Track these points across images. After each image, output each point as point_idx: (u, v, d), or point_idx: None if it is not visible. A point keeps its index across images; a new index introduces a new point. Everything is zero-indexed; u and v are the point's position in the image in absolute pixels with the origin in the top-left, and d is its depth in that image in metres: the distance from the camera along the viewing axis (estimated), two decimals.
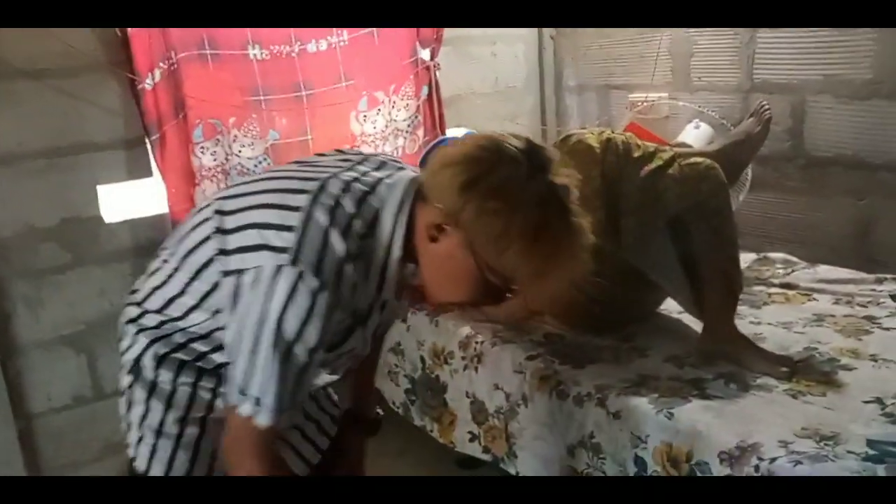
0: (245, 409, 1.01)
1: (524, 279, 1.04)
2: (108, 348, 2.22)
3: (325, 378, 1.30)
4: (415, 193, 1.08)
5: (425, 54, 2.76)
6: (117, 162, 2.29)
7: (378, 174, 1.11)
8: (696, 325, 1.85)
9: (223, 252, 1.05)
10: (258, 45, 2.43)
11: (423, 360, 2.17)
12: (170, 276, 1.13)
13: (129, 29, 2.19)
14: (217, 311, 1.09)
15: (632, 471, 1.55)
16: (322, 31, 2.51)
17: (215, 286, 1.07)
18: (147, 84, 2.26)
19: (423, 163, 2.34)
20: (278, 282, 0.98)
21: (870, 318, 1.87)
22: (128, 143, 2.29)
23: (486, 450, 1.97)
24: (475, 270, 1.03)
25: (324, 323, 1.00)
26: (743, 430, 1.40)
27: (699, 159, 1.78)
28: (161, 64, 2.28)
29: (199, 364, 1.15)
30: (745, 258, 2.25)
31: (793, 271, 2.25)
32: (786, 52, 2.38)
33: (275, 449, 1.09)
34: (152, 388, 1.14)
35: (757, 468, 1.32)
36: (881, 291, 2.02)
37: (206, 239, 1.08)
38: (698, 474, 1.42)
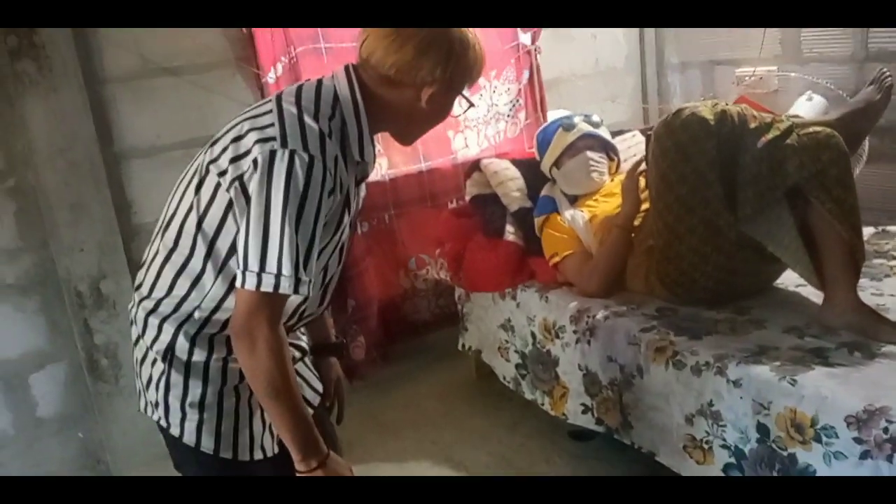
0: (267, 282, 1.10)
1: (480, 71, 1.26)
2: None
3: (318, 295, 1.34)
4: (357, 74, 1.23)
5: (526, 39, 2.83)
6: None
7: (312, 80, 1.25)
8: (815, 297, 1.84)
9: (221, 174, 1.16)
10: None
11: (533, 335, 2.23)
12: (171, 252, 1.23)
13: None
14: (223, 263, 1.18)
15: (753, 437, 1.56)
16: None
17: (217, 231, 1.17)
18: (270, 78, 2.42)
19: (539, 147, 2.39)
20: (275, 164, 1.11)
21: None
22: None
23: (599, 421, 2.01)
24: (454, 98, 1.28)
25: (320, 192, 1.12)
26: (870, 394, 1.40)
27: (818, 128, 1.76)
28: (282, 59, 2.43)
29: (227, 333, 1.21)
30: (864, 232, 2.19)
31: None
32: None
33: (281, 328, 1.15)
34: (188, 369, 1.23)
35: (886, 430, 1.32)
36: None
37: (199, 185, 1.19)
38: (824, 439, 1.42)
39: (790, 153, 1.73)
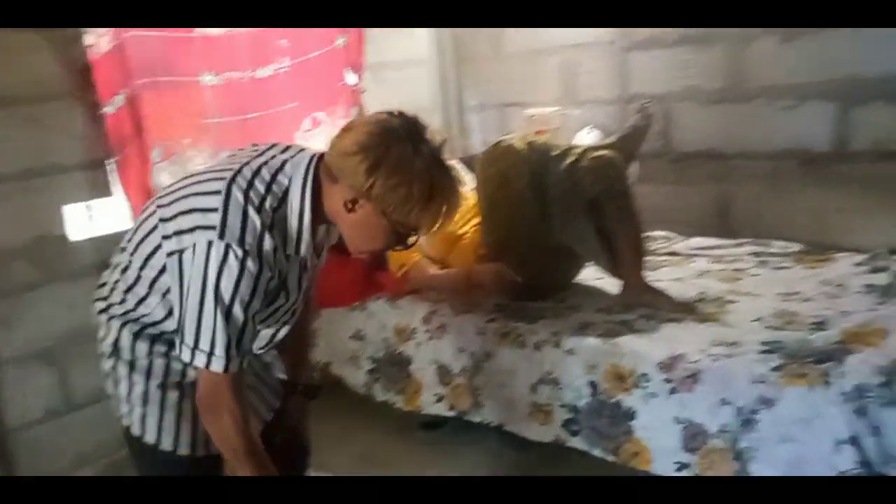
0: (199, 360, 1.22)
1: (429, 227, 1.29)
2: (79, 361, 2.35)
3: (266, 338, 1.46)
4: (317, 166, 1.29)
5: (352, 79, 3.11)
6: (81, 183, 2.44)
7: (284, 156, 1.31)
8: (609, 287, 2.32)
9: (165, 237, 1.26)
10: (212, 73, 2.68)
11: (386, 340, 2.48)
12: (126, 269, 1.34)
13: (91, 57, 2.39)
14: (166, 292, 1.29)
15: (587, 393, 1.96)
16: (267, 57, 2.80)
17: (162, 270, 1.28)
18: (109, 109, 2.45)
19: None
20: (211, 254, 1.19)
21: (738, 270, 2.43)
22: (90, 165, 2.45)
23: (451, 407, 2.31)
24: (389, 228, 1.28)
25: (254, 283, 1.22)
26: (670, 346, 1.86)
27: (603, 152, 2.25)
28: (122, 90, 2.47)
29: (168, 336, 1.34)
30: None
31: (673, 243, 2.79)
32: (655, 68, 2.95)
33: (243, 396, 1.29)
34: (132, 365, 1.35)
35: (686, 369, 1.78)
36: (742, 252, 2.59)
37: (153, 230, 1.29)
38: (641, 384, 1.85)
39: (585, 173, 2.19)
